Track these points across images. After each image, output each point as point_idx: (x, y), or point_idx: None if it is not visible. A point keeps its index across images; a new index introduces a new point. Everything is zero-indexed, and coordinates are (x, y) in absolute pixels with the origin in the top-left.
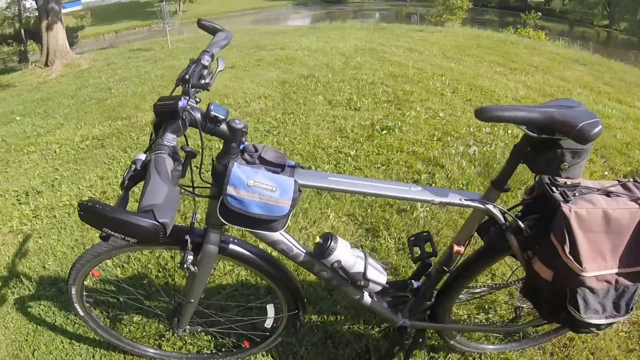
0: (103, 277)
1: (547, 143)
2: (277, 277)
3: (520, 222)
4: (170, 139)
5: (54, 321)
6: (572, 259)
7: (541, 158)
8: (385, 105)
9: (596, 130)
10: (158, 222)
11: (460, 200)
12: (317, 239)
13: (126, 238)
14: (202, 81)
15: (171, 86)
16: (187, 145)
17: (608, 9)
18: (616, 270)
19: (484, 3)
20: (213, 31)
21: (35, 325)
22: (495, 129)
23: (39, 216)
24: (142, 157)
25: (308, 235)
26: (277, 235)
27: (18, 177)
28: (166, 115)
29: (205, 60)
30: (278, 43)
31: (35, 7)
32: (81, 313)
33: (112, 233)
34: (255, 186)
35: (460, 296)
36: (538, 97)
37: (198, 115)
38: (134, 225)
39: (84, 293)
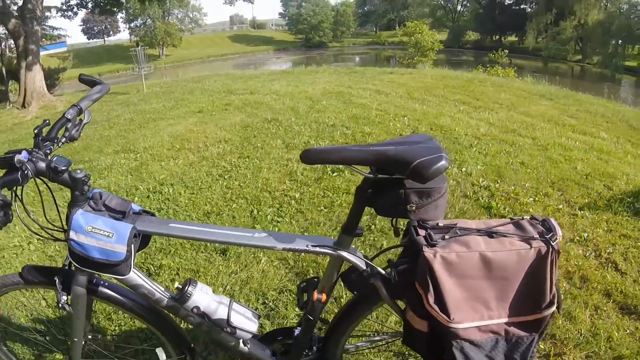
0: (6, 315)
1: (389, 183)
2: (154, 322)
3: (379, 269)
4: None
5: None
6: (438, 309)
7: (384, 200)
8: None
9: (436, 166)
10: None
11: (307, 246)
12: (176, 285)
13: None
14: (67, 133)
15: (137, 130)
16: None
17: (580, 45)
18: (505, 320)
19: (460, 45)
20: (91, 84)
21: None
22: (449, 167)
23: None
24: None
25: (236, 280)
26: (136, 279)
27: None
28: (7, 167)
29: (69, 114)
30: (249, 87)
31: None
32: None
33: None
34: (93, 232)
35: (355, 345)
36: (499, 134)
37: (42, 166)
38: None
39: None
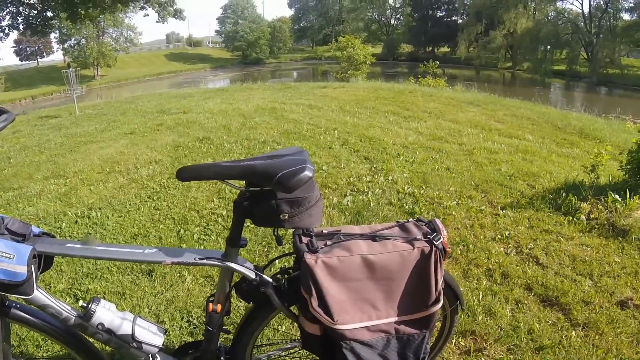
0: None
1: (261, 195)
2: (69, 342)
3: (267, 277)
4: None
5: None
6: (322, 312)
7: (259, 211)
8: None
9: (298, 177)
10: None
11: (195, 259)
12: (81, 303)
13: None
14: None
15: (68, 154)
16: None
17: (510, 52)
18: (394, 319)
19: (394, 57)
20: None
21: None
22: (376, 176)
23: None
24: None
25: (161, 300)
26: (40, 299)
27: None
28: None
29: None
30: (182, 106)
31: None
32: None
33: None
34: None
35: (266, 354)
36: (427, 141)
37: None
38: None
39: None
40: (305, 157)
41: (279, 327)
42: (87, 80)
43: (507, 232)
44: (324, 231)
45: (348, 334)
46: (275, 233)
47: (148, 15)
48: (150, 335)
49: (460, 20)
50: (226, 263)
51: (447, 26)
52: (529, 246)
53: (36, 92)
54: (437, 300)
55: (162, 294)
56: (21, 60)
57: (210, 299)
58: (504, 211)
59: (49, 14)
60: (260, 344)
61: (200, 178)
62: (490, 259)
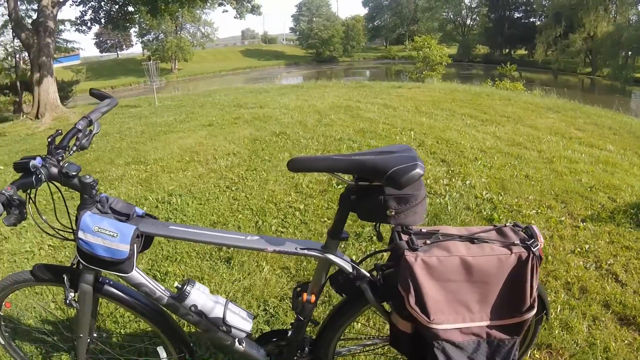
0: (15, 315)
1: (369, 190)
2: (156, 320)
3: (366, 272)
4: (7, 189)
5: None
6: (418, 310)
7: (365, 205)
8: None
9: (410, 174)
10: None
11: (296, 249)
12: (175, 284)
13: None
14: (78, 143)
15: (149, 142)
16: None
17: (590, 57)
18: (487, 323)
19: (470, 58)
20: (101, 98)
21: None
22: (453, 180)
23: (2, 259)
24: None
25: (238, 287)
26: (138, 278)
27: None
28: (23, 171)
29: (80, 125)
30: (259, 102)
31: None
32: (1, 341)
33: None
34: (99, 232)
35: (347, 348)
36: (505, 147)
37: (54, 171)
38: None
39: (2, 323)
40: (415, 155)
41: (364, 322)
42: (165, 73)
43: (586, 246)
44: (422, 230)
45: (441, 334)
46: (377, 228)
47: (227, 11)
48: (240, 320)
49: (538, 22)
50: (326, 255)
51: (524, 28)
52: (609, 262)
53: (115, 82)
54: (531, 307)
55: (240, 281)
56: (101, 52)
57: (297, 289)
58: (584, 224)
59: (130, 8)
60: (343, 337)
61: (310, 169)
62: (569, 272)
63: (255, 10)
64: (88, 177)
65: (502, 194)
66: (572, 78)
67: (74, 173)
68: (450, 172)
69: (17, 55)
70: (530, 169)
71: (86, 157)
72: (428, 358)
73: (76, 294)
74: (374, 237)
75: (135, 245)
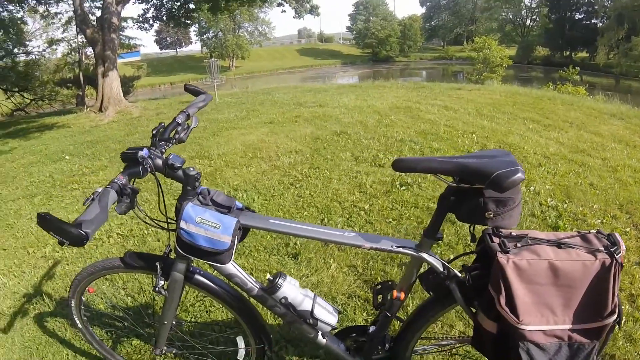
0: (100, 297)
1: (469, 192)
2: (242, 310)
3: (457, 272)
4: (120, 178)
5: (64, 336)
6: (508, 311)
7: (464, 207)
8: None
9: (512, 178)
10: (82, 231)
11: (392, 247)
12: (268, 276)
13: (64, 240)
14: (177, 136)
15: (211, 138)
16: (131, 185)
17: None
18: (569, 326)
19: (529, 60)
20: (195, 94)
21: (47, 338)
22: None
23: (70, 247)
24: (99, 189)
25: (307, 283)
26: (231, 269)
27: (58, 210)
28: (130, 161)
29: (180, 119)
30: (318, 101)
31: (94, 54)
32: (79, 325)
33: (56, 236)
34: (202, 222)
35: (421, 347)
36: (569, 153)
37: (159, 163)
38: (67, 231)
39: (82, 307)
40: (514, 160)
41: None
42: (223, 71)
43: None
44: (512, 233)
45: (527, 335)
46: (472, 230)
47: (285, 11)
48: (326, 314)
49: (600, 24)
50: (420, 253)
51: (585, 29)
52: None
53: (174, 78)
54: (612, 312)
55: (307, 277)
56: (161, 49)
57: (377, 287)
58: None
59: (192, 5)
60: (422, 336)
61: (414, 170)
62: (633, 284)
63: (314, 10)
64: (192, 169)
65: (567, 201)
66: (635, 83)
67: (179, 165)
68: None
69: (81, 51)
70: (594, 177)
71: None
72: (512, 358)
73: (166, 282)
74: (452, 240)
75: (236, 237)
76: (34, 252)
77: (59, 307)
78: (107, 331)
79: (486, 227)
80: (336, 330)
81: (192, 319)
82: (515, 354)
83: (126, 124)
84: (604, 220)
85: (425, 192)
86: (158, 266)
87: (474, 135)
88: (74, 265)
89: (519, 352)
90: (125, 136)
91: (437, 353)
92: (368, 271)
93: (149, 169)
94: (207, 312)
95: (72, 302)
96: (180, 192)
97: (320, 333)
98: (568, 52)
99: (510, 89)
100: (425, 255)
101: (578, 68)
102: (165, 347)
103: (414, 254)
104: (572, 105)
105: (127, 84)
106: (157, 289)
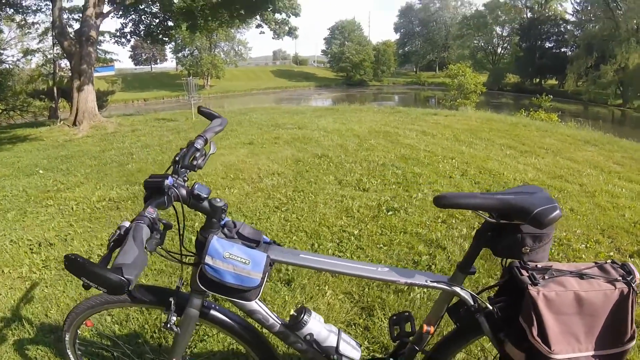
0: (100, 330)
1: (507, 228)
2: (255, 346)
3: (488, 304)
4: (150, 211)
5: None
6: (540, 341)
7: (502, 242)
8: (394, 186)
9: (553, 215)
10: (124, 277)
11: (426, 281)
12: (292, 312)
13: (99, 287)
14: (195, 162)
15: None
16: (163, 220)
17: (621, 88)
18: (592, 353)
19: (500, 87)
20: (210, 117)
21: None
22: None
23: (49, 267)
24: (127, 224)
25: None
26: (253, 305)
27: (33, 228)
28: (154, 191)
29: (198, 144)
30: (296, 122)
31: (69, 67)
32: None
33: (89, 282)
34: (230, 258)
35: None
36: (547, 179)
37: (183, 192)
38: (105, 277)
39: (77, 341)
40: (550, 196)
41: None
42: (198, 89)
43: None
44: (538, 265)
45: None
46: (504, 264)
47: (264, 32)
48: (350, 349)
49: (570, 52)
50: (453, 287)
51: (555, 58)
52: None
53: (148, 95)
54: (632, 338)
55: (303, 304)
56: (136, 64)
57: (393, 318)
58: (633, 259)
59: (170, 23)
60: None
61: (458, 207)
62: None
63: (292, 32)
64: (219, 200)
65: None
66: (602, 109)
67: (205, 195)
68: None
69: (55, 62)
70: (574, 203)
71: (128, 167)
72: None
73: (178, 317)
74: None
75: (266, 273)
76: (9, 272)
77: (41, 333)
78: None
79: (512, 260)
80: None
81: (197, 351)
82: None
83: (101, 139)
84: (588, 245)
85: (413, 217)
86: (172, 302)
87: (454, 160)
88: (53, 288)
89: None
90: (100, 152)
91: None
92: (364, 298)
93: (173, 199)
94: (212, 345)
95: (67, 335)
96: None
97: None
98: (538, 79)
99: (485, 115)
100: (457, 289)
101: (551, 96)
102: None
103: (448, 288)
104: (546, 131)
105: (101, 99)
106: (168, 325)
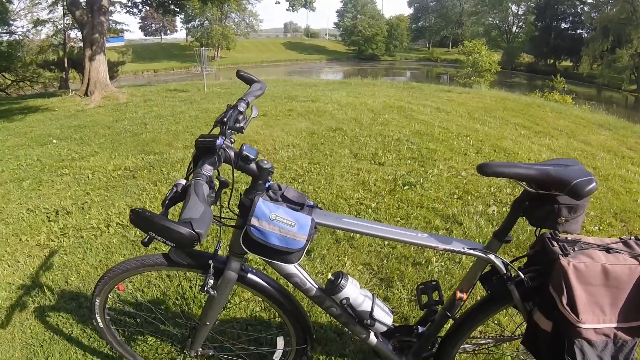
0: (125, 297)
1: (544, 198)
2: (290, 310)
3: (521, 273)
4: (208, 169)
5: (70, 332)
6: (569, 310)
7: (539, 212)
8: (409, 161)
9: (590, 187)
10: (195, 231)
11: (463, 248)
12: (329, 276)
13: (167, 242)
14: (237, 125)
15: (204, 128)
16: (221, 177)
17: (636, 74)
18: (615, 325)
19: (513, 66)
20: (249, 82)
21: (51, 334)
22: (517, 190)
23: (67, 234)
24: (183, 182)
25: (323, 280)
26: (292, 268)
27: (50, 196)
28: (205, 150)
29: (242, 107)
30: (310, 95)
31: (80, 37)
32: (101, 325)
33: (156, 237)
34: (276, 220)
35: (465, 346)
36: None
37: (232, 154)
38: (175, 232)
39: (106, 306)
40: (586, 169)
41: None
42: (208, 61)
43: None
44: (568, 238)
45: (583, 333)
46: (537, 234)
47: (279, 2)
48: (384, 315)
49: (586, 34)
50: (488, 255)
51: (570, 39)
52: None
53: (158, 66)
54: None
55: (323, 274)
56: (145, 35)
57: (421, 287)
58: None
59: None
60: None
61: (500, 175)
62: None
63: (308, 4)
64: (266, 162)
65: None
66: (616, 94)
67: (253, 157)
68: (511, 181)
69: (66, 33)
70: None
71: (142, 137)
72: (566, 355)
73: (215, 281)
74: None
75: (311, 236)
76: (27, 240)
77: (62, 300)
78: (127, 330)
79: (544, 231)
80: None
81: (228, 319)
82: (569, 351)
83: (113, 110)
84: (601, 227)
85: (429, 192)
86: (211, 264)
87: (468, 138)
88: (73, 255)
89: (573, 349)
90: (113, 122)
91: (477, 352)
92: (383, 270)
93: (223, 159)
94: (243, 310)
95: (97, 300)
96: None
97: (372, 333)
98: (552, 60)
99: (500, 94)
100: (492, 257)
101: (564, 79)
102: (200, 349)
103: (483, 255)
104: (560, 113)
105: (112, 70)
106: (205, 288)
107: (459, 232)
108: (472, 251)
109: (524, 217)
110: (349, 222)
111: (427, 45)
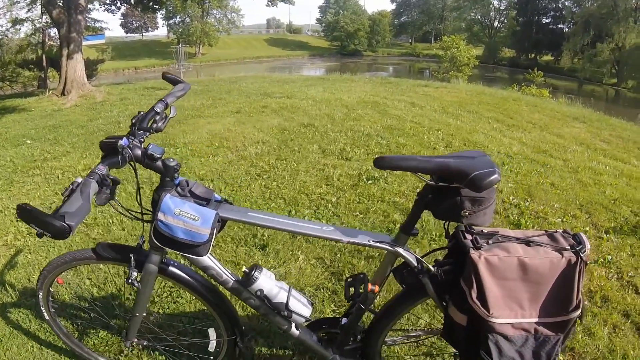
0: (73, 290)
1: (447, 191)
2: (214, 302)
3: (429, 266)
4: (100, 168)
5: (28, 327)
6: (479, 304)
7: (442, 205)
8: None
9: (490, 179)
10: (65, 223)
11: (369, 241)
12: (244, 269)
13: (45, 233)
14: (155, 125)
15: (177, 126)
16: (112, 176)
17: (617, 68)
18: (536, 320)
19: (495, 61)
20: (174, 82)
21: (11, 329)
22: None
23: (33, 234)
24: (79, 180)
25: (276, 274)
26: (207, 261)
27: (20, 197)
28: (109, 150)
29: (158, 108)
30: (285, 92)
31: (58, 36)
32: (46, 317)
33: (37, 229)
34: (180, 214)
35: (395, 338)
36: (531, 154)
37: (138, 153)
38: (50, 224)
39: (50, 299)
40: (491, 161)
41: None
42: (189, 58)
43: (609, 257)
44: (484, 230)
45: (497, 328)
46: (446, 227)
47: None
48: (301, 306)
49: (567, 29)
50: (396, 248)
51: (552, 33)
52: (630, 274)
53: (139, 63)
54: (577, 307)
55: (275, 268)
56: (127, 32)
57: (349, 279)
58: (607, 235)
59: None
60: (393, 328)
61: (397, 168)
62: (592, 281)
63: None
64: (171, 160)
65: (529, 200)
66: (597, 88)
67: (158, 155)
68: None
69: (44, 32)
70: (555, 178)
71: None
72: (481, 349)
73: (139, 273)
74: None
75: (215, 229)
76: None
77: (23, 297)
78: (73, 323)
79: (459, 224)
80: (307, 322)
81: (162, 311)
82: (484, 345)
83: (89, 109)
84: (564, 219)
85: (392, 186)
86: (132, 258)
87: (439, 132)
88: (36, 254)
89: (488, 344)
90: (88, 121)
91: (405, 344)
92: (336, 263)
93: (127, 158)
94: (174, 303)
95: (40, 293)
96: (159, 182)
97: (293, 325)
98: (533, 55)
99: (476, 89)
100: (400, 250)
101: (542, 72)
102: (135, 339)
103: (390, 248)
104: (536, 107)
105: (91, 68)
106: (130, 280)
107: (417, 225)
108: (377, 244)
109: (429, 210)
110: (253, 216)
111: (410, 40)
